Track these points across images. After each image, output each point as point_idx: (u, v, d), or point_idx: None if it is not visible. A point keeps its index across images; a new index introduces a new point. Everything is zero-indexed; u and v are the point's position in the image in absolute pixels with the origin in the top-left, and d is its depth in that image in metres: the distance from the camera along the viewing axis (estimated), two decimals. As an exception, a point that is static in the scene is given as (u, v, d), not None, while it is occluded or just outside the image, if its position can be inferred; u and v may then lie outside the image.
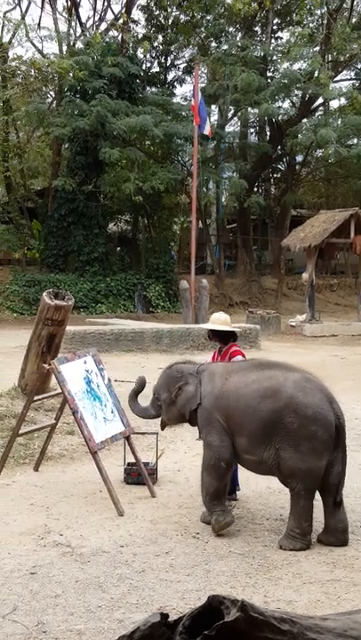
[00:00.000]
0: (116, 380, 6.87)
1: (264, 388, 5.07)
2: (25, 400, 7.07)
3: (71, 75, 21.79)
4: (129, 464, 6.55)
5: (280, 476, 5.16)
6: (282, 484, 5.30)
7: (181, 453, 7.57)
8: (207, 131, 20.02)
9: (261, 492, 6.25)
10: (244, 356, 5.94)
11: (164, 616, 1.94)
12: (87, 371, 6.20)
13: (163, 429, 6.14)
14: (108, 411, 6.17)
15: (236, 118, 27.75)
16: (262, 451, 5.06)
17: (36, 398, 6.68)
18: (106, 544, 5.10)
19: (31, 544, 5.10)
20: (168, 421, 5.83)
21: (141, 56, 27.43)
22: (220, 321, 6.09)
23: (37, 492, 6.25)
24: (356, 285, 23.18)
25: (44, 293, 8.40)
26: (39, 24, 27.07)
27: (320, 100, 27.11)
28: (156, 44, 28.32)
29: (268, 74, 26.87)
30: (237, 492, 6.06)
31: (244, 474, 5.90)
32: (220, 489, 5.34)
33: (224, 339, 6.06)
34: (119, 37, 25.17)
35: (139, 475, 6.34)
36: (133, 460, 6.36)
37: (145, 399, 6.09)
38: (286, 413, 4.95)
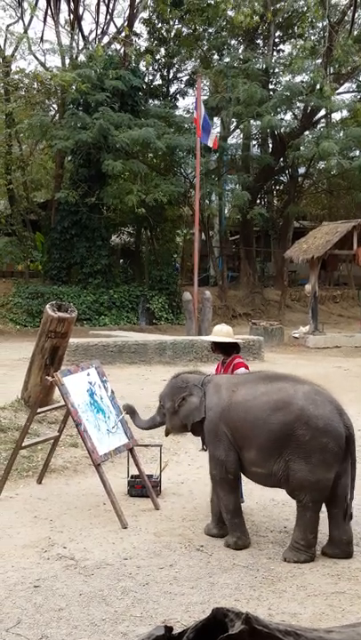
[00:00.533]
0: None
1: (274, 401, 5.06)
2: (28, 412, 7.07)
3: (74, 88, 21.91)
4: (132, 476, 6.54)
5: (288, 488, 5.14)
6: (288, 496, 5.28)
7: (185, 466, 7.55)
8: (212, 142, 20.10)
9: (265, 504, 6.23)
10: (247, 367, 5.93)
11: (169, 629, 1.94)
12: (90, 383, 6.20)
13: (167, 436, 6.14)
14: (111, 423, 6.16)
15: (238, 130, 27.87)
16: (272, 463, 5.05)
17: (39, 411, 6.68)
18: (109, 557, 5.09)
19: (35, 557, 5.09)
20: (171, 430, 5.84)
21: (144, 69, 27.59)
22: (222, 333, 6.10)
23: (41, 505, 6.24)
24: (359, 297, 23.18)
25: (48, 306, 8.42)
26: (42, 37, 27.13)
27: (322, 113, 27.24)
28: (158, 56, 28.49)
29: (271, 86, 27.00)
30: (242, 505, 6.04)
31: (248, 486, 5.88)
32: (237, 502, 5.36)
33: (227, 351, 6.06)
34: (122, 50, 25.32)
35: (142, 487, 6.33)
36: (137, 473, 6.34)
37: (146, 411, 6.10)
38: (298, 426, 4.94)
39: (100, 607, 4.30)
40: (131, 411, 6.16)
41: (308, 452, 4.94)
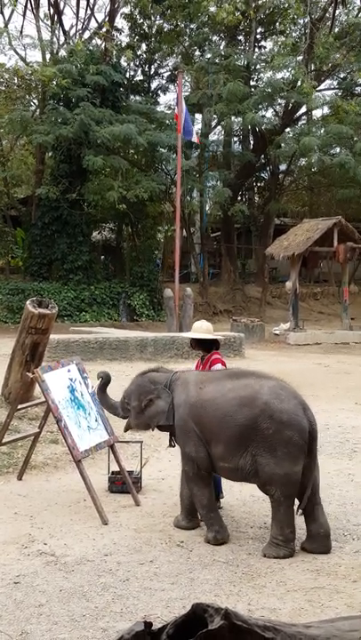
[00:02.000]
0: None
1: (240, 397, 5.13)
2: (8, 409, 7.05)
3: (54, 83, 21.81)
4: (113, 472, 6.55)
5: (258, 483, 5.20)
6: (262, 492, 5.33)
7: (165, 462, 7.56)
8: (194, 137, 20.10)
9: (245, 499, 6.26)
10: (224, 364, 5.95)
11: (148, 624, 1.95)
12: (71, 379, 6.19)
13: (125, 432, 6.14)
14: (92, 419, 6.16)
15: (219, 127, 27.89)
16: (238, 458, 5.11)
17: (19, 407, 6.66)
18: (90, 553, 5.09)
19: (15, 553, 5.08)
20: (135, 427, 5.88)
21: (125, 64, 27.52)
22: (202, 329, 6.10)
23: (21, 501, 6.23)
24: (340, 294, 23.31)
25: (28, 302, 8.38)
26: (21, 31, 26.98)
27: (303, 110, 27.32)
28: (139, 52, 28.45)
29: (252, 82, 27.03)
30: (221, 500, 6.07)
31: (227, 482, 5.91)
32: (210, 497, 5.41)
33: (207, 347, 6.06)
34: (102, 46, 25.22)
35: (123, 483, 6.33)
36: (118, 469, 6.35)
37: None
38: (262, 419, 5.02)
39: (81, 603, 4.30)
40: (106, 379, 6.11)
41: (273, 445, 5.00)
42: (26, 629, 3.96)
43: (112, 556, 5.03)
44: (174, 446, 5.60)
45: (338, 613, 4.22)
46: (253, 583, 4.65)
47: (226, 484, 6.05)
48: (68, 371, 6.23)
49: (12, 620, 4.08)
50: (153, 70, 29.65)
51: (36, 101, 27.20)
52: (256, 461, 5.06)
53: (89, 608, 4.23)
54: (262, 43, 28.92)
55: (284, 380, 5.42)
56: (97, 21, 27.38)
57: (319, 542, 5.19)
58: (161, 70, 29.80)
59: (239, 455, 5.11)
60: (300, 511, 5.21)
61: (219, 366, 5.87)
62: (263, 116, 26.41)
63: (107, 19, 25.90)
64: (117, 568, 4.83)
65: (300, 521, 5.24)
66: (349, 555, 5.16)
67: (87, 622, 4.06)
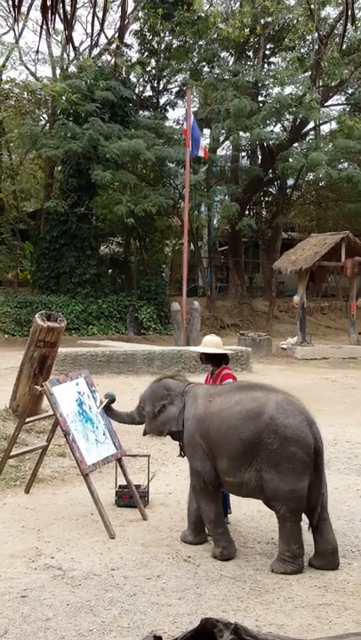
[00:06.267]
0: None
1: (247, 410, 5.11)
2: (16, 421, 7.06)
3: (64, 98, 21.99)
4: (120, 486, 6.53)
5: (264, 499, 5.18)
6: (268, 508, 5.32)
7: (173, 476, 7.55)
8: (202, 152, 20.19)
9: (253, 515, 6.24)
10: (234, 379, 5.94)
11: (158, 638, 1.95)
12: (79, 393, 6.20)
13: (144, 435, 6.11)
14: (99, 433, 6.16)
15: (227, 142, 28.02)
16: (243, 472, 5.10)
17: (27, 420, 6.67)
18: (97, 567, 5.08)
19: (22, 567, 5.07)
20: (149, 432, 5.87)
21: (134, 80, 27.73)
22: (212, 344, 6.11)
23: (28, 515, 6.22)
24: (347, 308, 23.29)
25: (37, 315, 8.41)
26: (37, 50, 27.23)
27: (311, 125, 27.44)
28: (148, 68, 28.63)
29: (260, 98, 27.18)
30: (229, 516, 6.05)
31: (235, 497, 5.89)
32: (218, 511, 5.39)
33: (216, 361, 6.06)
34: (112, 61, 25.43)
35: (130, 497, 6.32)
36: (125, 483, 6.34)
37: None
38: (266, 434, 5.00)
39: (88, 617, 4.29)
40: (110, 400, 6.10)
41: (277, 460, 4.98)
42: (33, 643, 3.96)
43: (119, 571, 5.02)
44: (184, 456, 5.59)
45: (346, 630, 4.20)
46: (261, 599, 4.63)
47: (233, 499, 6.03)
48: (77, 384, 6.24)
49: (19, 634, 4.07)
50: (162, 86, 29.89)
51: (45, 116, 27.44)
52: (261, 477, 5.04)
53: (96, 623, 4.22)
54: (271, 59, 29.10)
55: (292, 394, 5.41)
56: (107, 37, 27.63)
57: (327, 559, 5.16)
58: (170, 86, 30.06)
59: (244, 470, 5.09)
60: (309, 527, 5.19)
61: (230, 381, 5.86)
62: (271, 132, 26.55)
63: (116, 35, 26.14)
64: (124, 582, 4.81)
65: (308, 537, 5.21)
66: (357, 571, 5.13)
67: (94, 637, 4.05)
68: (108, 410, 6.11)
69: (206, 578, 4.94)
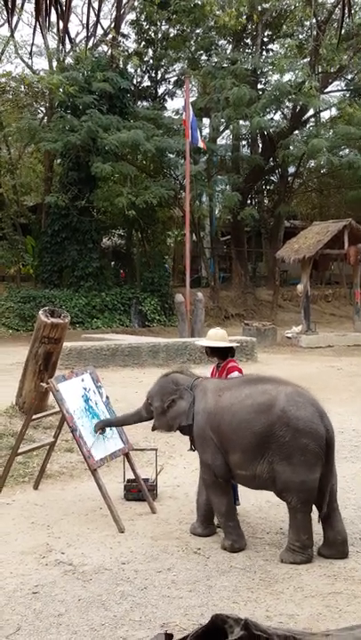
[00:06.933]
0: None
1: (258, 404, 5.12)
2: (23, 418, 7.09)
3: (61, 90, 21.91)
4: (129, 480, 6.56)
5: (275, 491, 5.20)
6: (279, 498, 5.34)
7: (181, 469, 7.58)
8: (200, 143, 20.15)
9: (261, 505, 6.26)
10: (241, 371, 5.95)
11: (169, 636, 1.97)
12: (85, 389, 6.22)
13: (153, 431, 6.13)
14: (106, 428, 6.18)
15: (227, 131, 27.93)
16: (255, 465, 5.11)
17: (34, 417, 6.69)
18: (107, 561, 5.11)
19: (33, 563, 5.11)
20: (158, 428, 5.88)
21: (132, 70, 27.60)
22: (217, 337, 6.11)
23: (38, 511, 6.25)
24: (351, 295, 23.27)
25: (41, 311, 8.43)
26: (32, 43, 27.09)
27: (311, 112, 27.33)
28: (146, 58, 28.50)
29: (259, 86, 27.07)
30: (237, 507, 6.07)
31: (243, 488, 5.91)
32: (229, 504, 5.42)
33: (222, 354, 6.07)
34: (109, 52, 25.30)
35: (139, 491, 6.35)
36: (133, 477, 6.37)
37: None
38: (279, 427, 5.01)
39: (100, 612, 4.32)
40: (103, 424, 6.14)
41: (290, 452, 5.00)
42: (46, 639, 3.99)
43: (129, 565, 5.05)
44: (195, 450, 5.60)
45: (356, 618, 4.23)
46: (271, 589, 4.65)
47: (242, 490, 6.05)
48: (82, 380, 6.26)
49: (31, 630, 4.10)
50: (160, 76, 29.74)
51: (43, 109, 27.34)
52: (273, 469, 5.06)
53: (108, 617, 4.25)
54: (270, 46, 28.96)
55: (301, 385, 5.42)
56: (103, 28, 27.49)
57: (336, 549, 5.19)
58: (168, 76, 29.93)
59: (256, 463, 5.11)
60: (319, 519, 5.21)
61: (236, 374, 5.86)
62: (271, 119, 26.45)
63: (113, 25, 26.00)
64: (135, 576, 4.85)
65: (317, 527, 5.24)
66: (366, 559, 5.16)
67: (106, 631, 4.08)
68: (112, 423, 6.15)
69: (216, 569, 4.97)
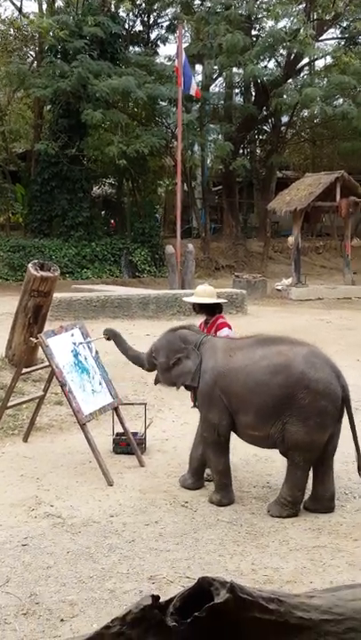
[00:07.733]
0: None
1: (274, 365, 5.06)
2: (12, 371, 7.10)
3: (51, 34, 21.38)
4: (117, 434, 6.61)
5: (282, 448, 5.19)
6: (272, 452, 5.37)
7: (169, 422, 7.63)
8: (193, 91, 19.77)
9: (248, 459, 6.33)
10: (230, 327, 5.94)
11: (156, 598, 2.00)
12: (74, 344, 6.22)
13: (155, 384, 6.03)
14: (96, 383, 6.20)
15: (220, 79, 27.43)
16: (270, 426, 5.09)
17: (24, 371, 6.70)
18: (96, 514, 5.18)
19: (22, 515, 5.17)
20: (162, 382, 5.80)
21: (124, 15, 26.91)
22: (205, 294, 6.09)
23: (27, 463, 6.31)
24: (342, 248, 23.22)
25: (30, 264, 8.38)
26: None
27: (305, 60, 26.83)
28: (138, 1, 27.75)
29: (254, 32, 26.49)
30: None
31: (231, 442, 5.95)
32: (227, 463, 5.44)
33: (210, 311, 6.06)
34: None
35: (127, 444, 6.40)
36: (122, 430, 6.41)
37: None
38: (298, 389, 4.97)
39: (88, 564, 4.39)
40: (112, 334, 6.07)
41: (308, 414, 4.99)
42: (35, 591, 4.06)
43: (118, 517, 5.12)
44: (198, 407, 5.57)
45: (340, 572, 4.33)
46: (257, 542, 4.74)
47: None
48: (72, 335, 6.25)
49: (20, 582, 4.18)
50: (152, 20, 29.02)
51: (32, 54, 26.69)
52: (285, 429, 5.04)
53: (96, 569, 4.33)
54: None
55: (315, 345, 5.37)
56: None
57: (322, 504, 5.27)
58: (160, 20, 29.17)
59: (270, 424, 5.07)
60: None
61: (225, 330, 5.83)
62: (265, 67, 25.96)
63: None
64: (123, 529, 4.92)
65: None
66: (351, 513, 5.25)
67: (94, 583, 4.16)
68: (119, 344, 6.05)
69: (203, 522, 5.05)
